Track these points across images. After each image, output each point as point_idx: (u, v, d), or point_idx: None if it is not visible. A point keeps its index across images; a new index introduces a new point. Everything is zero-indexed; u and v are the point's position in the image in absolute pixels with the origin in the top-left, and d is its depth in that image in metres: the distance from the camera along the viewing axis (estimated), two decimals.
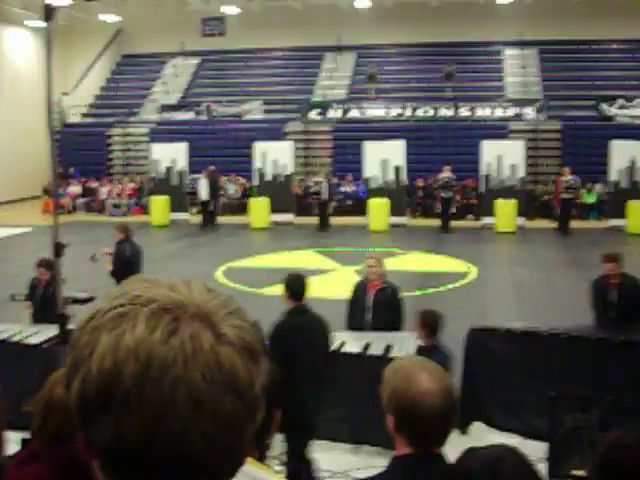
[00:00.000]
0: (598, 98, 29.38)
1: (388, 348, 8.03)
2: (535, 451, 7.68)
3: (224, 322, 1.01)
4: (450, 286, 16.02)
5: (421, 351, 7.20)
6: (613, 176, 24.43)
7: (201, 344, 0.97)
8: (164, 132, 30.82)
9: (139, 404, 0.94)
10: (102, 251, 11.72)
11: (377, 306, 8.61)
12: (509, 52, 34.62)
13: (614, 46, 34.06)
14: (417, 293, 15.06)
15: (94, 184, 30.57)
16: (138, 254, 11.83)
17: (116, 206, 29.01)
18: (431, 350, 7.21)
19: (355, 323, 8.80)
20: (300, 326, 6.78)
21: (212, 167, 26.26)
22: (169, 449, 0.96)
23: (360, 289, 8.84)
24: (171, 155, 26.71)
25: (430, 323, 7.14)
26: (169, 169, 26.74)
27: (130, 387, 0.94)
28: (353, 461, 7.68)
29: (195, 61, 37.16)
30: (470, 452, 2.28)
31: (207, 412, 0.96)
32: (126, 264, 11.25)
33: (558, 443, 7.10)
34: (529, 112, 29.43)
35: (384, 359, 7.41)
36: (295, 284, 7.03)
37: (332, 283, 15.48)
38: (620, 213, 23.56)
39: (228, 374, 0.98)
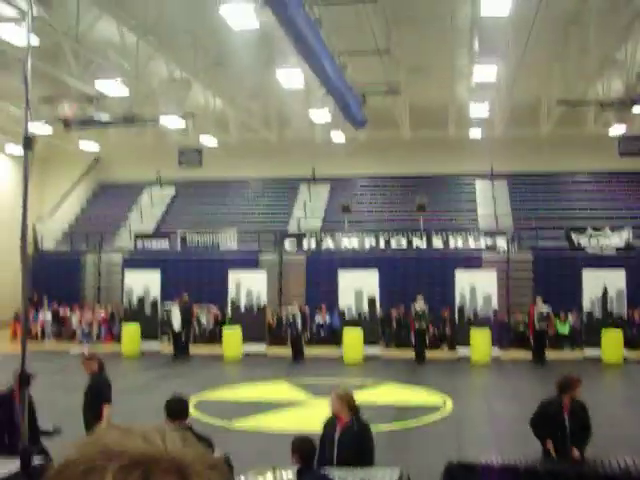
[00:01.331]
0: (567, 228, 29.87)
1: None
2: None
3: (199, 477, 0.94)
4: (425, 419, 15.71)
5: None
6: (586, 305, 24.55)
7: None
8: (138, 260, 30.77)
9: None
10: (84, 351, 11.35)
11: (342, 442, 8.34)
12: (480, 184, 35.36)
13: (581, 178, 34.98)
14: (392, 427, 14.74)
15: (66, 311, 30.23)
16: (109, 388, 11.43)
17: (87, 334, 28.60)
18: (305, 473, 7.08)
19: (322, 459, 8.50)
20: None
21: (185, 296, 26.15)
22: None
23: (330, 424, 8.59)
24: (144, 283, 26.60)
25: (299, 449, 7.09)
26: (142, 298, 26.57)
27: None
28: None
29: (171, 190, 37.59)
30: None
31: None
32: (97, 397, 10.88)
33: None
34: (501, 242, 29.79)
35: None
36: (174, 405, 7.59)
37: (304, 416, 15.17)
38: (595, 342, 23.58)
39: None
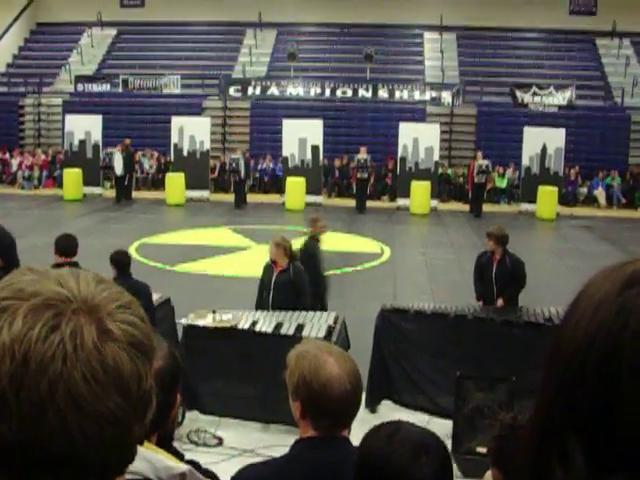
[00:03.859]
0: (512, 85, 29.95)
1: (299, 328, 8.09)
2: (441, 428, 7.90)
3: (111, 317, 0.97)
4: (363, 266, 16.19)
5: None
6: (525, 161, 25.02)
7: (83, 341, 0.93)
8: (79, 104, 30.12)
9: (16, 404, 0.90)
10: None
11: (277, 287, 8.71)
12: (428, 36, 34.94)
13: (529, 35, 34.76)
14: (330, 273, 15.16)
15: (5, 155, 29.68)
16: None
17: (27, 178, 28.28)
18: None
19: (260, 303, 8.89)
20: None
21: (127, 141, 25.88)
22: (51, 448, 0.92)
23: (268, 270, 8.91)
24: (85, 127, 26.16)
25: (115, 260, 7.54)
26: (83, 142, 26.21)
27: (6, 386, 0.90)
28: (262, 439, 7.74)
29: (112, 32, 36.37)
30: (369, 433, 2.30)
31: (88, 412, 0.92)
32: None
33: (463, 421, 7.30)
34: (446, 96, 29.81)
35: (295, 339, 7.47)
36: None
37: (246, 261, 15.49)
38: (531, 198, 24.18)
39: (112, 373, 0.94)
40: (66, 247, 7.66)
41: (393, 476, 2.10)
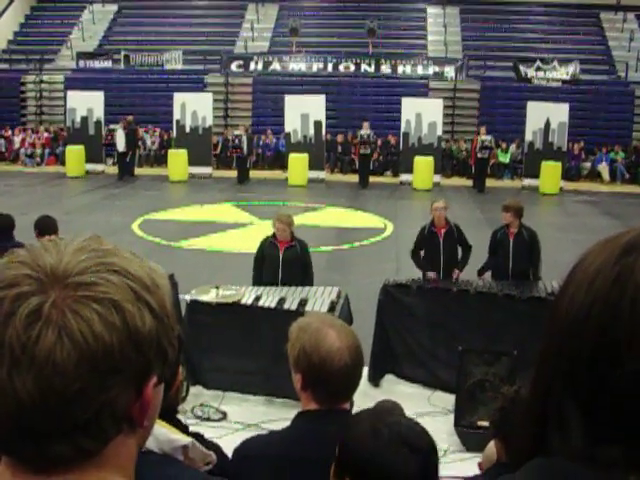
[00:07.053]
0: (516, 59, 29.77)
1: (303, 302, 8.11)
2: (443, 402, 7.96)
3: (74, 304, 0.91)
4: (366, 241, 16.19)
5: None
6: (528, 136, 24.92)
7: (26, 308, 0.89)
8: (80, 80, 30.01)
9: None
10: None
11: (286, 263, 8.73)
12: (431, 10, 34.71)
13: (533, 8, 34.49)
14: (333, 248, 15.18)
15: (7, 133, 29.61)
16: None
17: (30, 156, 28.24)
18: None
19: (258, 279, 8.87)
20: None
21: (130, 117, 25.82)
22: None
23: (269, 246, 8.88)
24: (87, 104, 26.08)
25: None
26: (85, 119, 26.14)
27: None
28: (266, 413, 7.78)
29: (113, 8, 36.16)
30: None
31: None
32: None
33: (465, 395, 7.33)
34: (449, 71, 29.66)
35: (298, 313, 7.49)
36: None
37: (249, 237, 15.48)
38: (534, 173, 24.11)
39: (38, 357, 0.88)
40: (45, 226, 7.50)
41: (377, 471, 2.04)
